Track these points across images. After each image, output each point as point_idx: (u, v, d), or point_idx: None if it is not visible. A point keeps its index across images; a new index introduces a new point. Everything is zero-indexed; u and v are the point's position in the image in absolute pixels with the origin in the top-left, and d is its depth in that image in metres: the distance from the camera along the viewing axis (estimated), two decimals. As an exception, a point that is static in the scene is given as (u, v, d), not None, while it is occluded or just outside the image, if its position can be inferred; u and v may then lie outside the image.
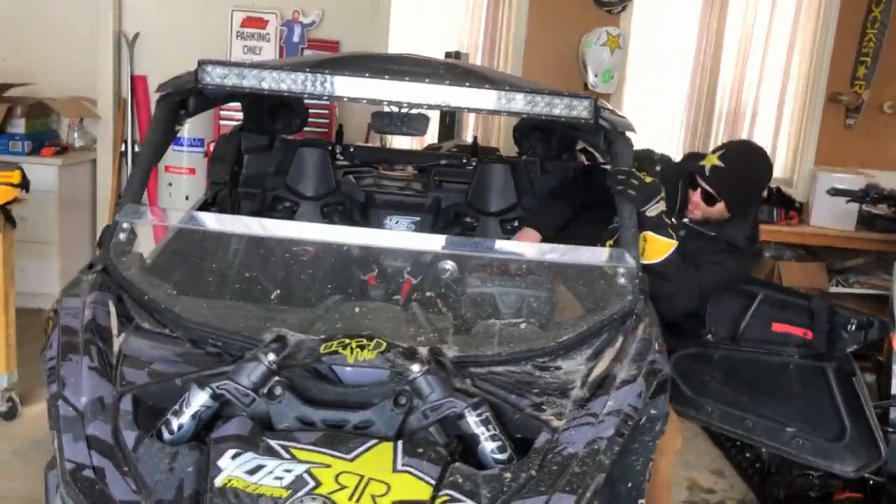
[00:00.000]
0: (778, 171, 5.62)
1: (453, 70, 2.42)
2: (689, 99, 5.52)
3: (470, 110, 2.30)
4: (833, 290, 5.14)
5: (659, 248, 2.34)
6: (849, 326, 2.70)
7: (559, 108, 2.20)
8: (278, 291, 2.60)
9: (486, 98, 2.18)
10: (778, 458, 3.10)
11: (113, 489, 1.43)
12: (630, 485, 1.89)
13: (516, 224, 3.30)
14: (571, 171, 3.42)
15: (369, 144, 4.87)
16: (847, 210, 4.81)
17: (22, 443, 3.38)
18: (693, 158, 2.82)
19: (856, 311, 2.73)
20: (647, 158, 2.85)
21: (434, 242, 2.45)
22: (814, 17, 5.39)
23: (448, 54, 4.85)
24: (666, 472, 2.64)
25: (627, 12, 5.24)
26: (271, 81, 2.17)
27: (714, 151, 2.64)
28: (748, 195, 2.67)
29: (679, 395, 2.90)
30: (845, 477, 2.72)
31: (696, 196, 2.62)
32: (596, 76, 5.12)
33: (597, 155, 3.58)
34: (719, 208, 2.59)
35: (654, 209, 2.30)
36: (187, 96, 2.40)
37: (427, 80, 2.17)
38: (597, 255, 2.23)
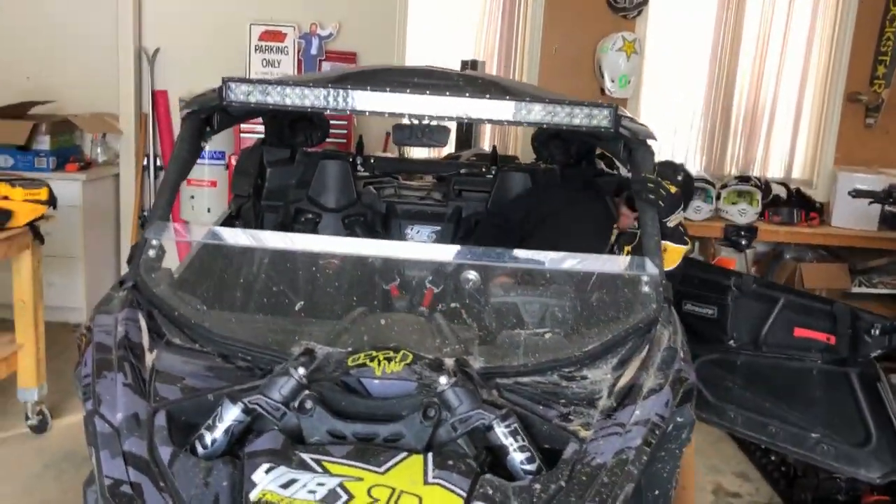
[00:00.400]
0: (797, 172, 5.61)
1: (473, 82, 2.44)
2: (706, 101, 5.51)
3: (491, 122, 2.32)
4: (856, 290, 5.11)
5: (674, 255, 2.43)
6: (872, 331, 2.69)
7: (579, 117, 2.21)
8: (303, 303, 2.63)
9: (506, 109, 2.20)
10: (804, 462, 3.09)
11: (150, 504, 1.46)
12: (657, 492, 1.90)
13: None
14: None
15: (388, 154, 4.90)
16: (869, 210, 4.79)
17: (52, 456, 3.43)
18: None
19: (879, 316, 2.71)
20: (669, 166, 2.85)
21: (454, 253, 2.47)
22: (831, 16, 5.37)
23: (465, 63, 4.88)
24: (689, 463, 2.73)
25: (643, 17, 5.25)
26: (294, 97, 2.21)
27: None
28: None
29: (702, 401, 2.90)
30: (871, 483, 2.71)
31: (626, 212, 2.87)
32: (612, 81, 5.13)
33: (616, 162, 3.60)
34: None
35: (674, 219, 2.32)
36: (212, 113, 2.44)
37: (447, 93, 2.20)
38: (619, 263, 2.24)
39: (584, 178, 3.41)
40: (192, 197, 4.99)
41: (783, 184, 5.27)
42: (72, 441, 3.53)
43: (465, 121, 2.25)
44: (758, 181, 5.02)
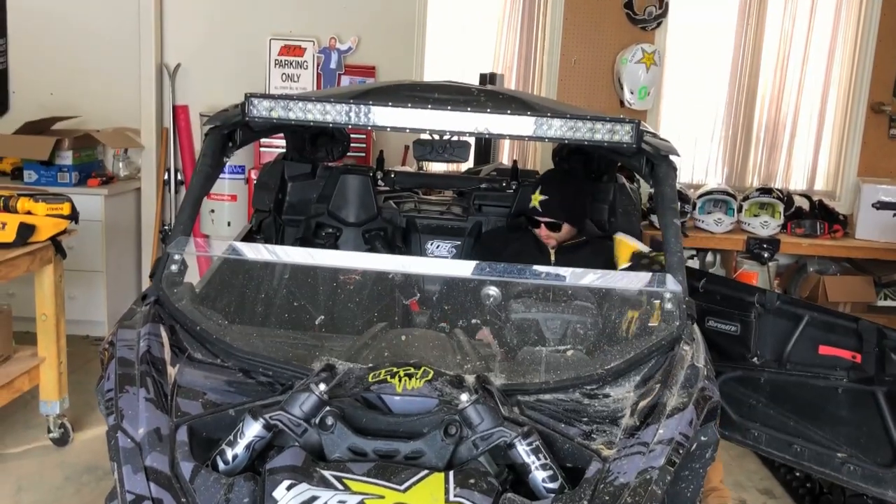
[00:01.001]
0: (819, 184, 5.56)
1: (494, 97, 2.44)
2: (727, 112, 5.47)
3: (512, 137, 2.31)
4: (881, 303, 5.05)
5: (624, 251, 2.87)
6: (899, 349, 2.65)
7: (601, 132, 2.20)
8: (323, 318, 2.63)
9: (527, 125, 2.19)
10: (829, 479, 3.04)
11: (172, 521, 1.46)
12: (681, 512, 1.88)
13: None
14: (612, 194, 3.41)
15: (407, 168, 4.91)
16: (893, 222, 4.74)
17: (73, 469, 3.45)
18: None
19: (906, 334, 2.67)
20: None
21: (470, 270, 2.46)
22: (854, 24, 5.32)
23: (483, 76, 4.89)
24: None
25: (662, 28, 5.24)
26: (316, 113, 2.21)
27: (533, 191, 3.04)
28: (580, 204, 3.09)
29: (725, 418, 2.87)
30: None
31: (542, 231, 3.02)
32: (632, 93, 5.11)
33: (638, 177, 3.58)
34: (566, 229, 3.02)
35: None
36: (235, 129, 2.46)
37: (468, 109, 2.19)
38: (641, 280, 2.22)
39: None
40: (213, 211, 5.02)
41: (806, 195, 5.23)
42: (93, 454, 3.55)
43: (486, 136, 2.25)
44: (780, 193, 4.98)
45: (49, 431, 3.63)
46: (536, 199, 3.01)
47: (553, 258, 3.02)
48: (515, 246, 3.03)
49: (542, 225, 3.01)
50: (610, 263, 2.84)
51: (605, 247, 3.06)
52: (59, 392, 3.60)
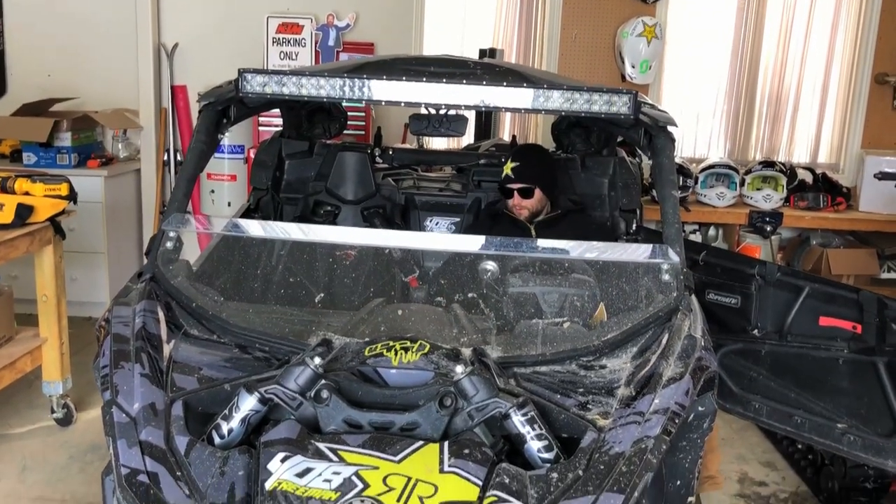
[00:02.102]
0: (823, 157, 5.52)
1: (490, 70, 2.42)
2: (729, 86, 5.43)
3: (508, 110, 2.30)
4: (885, 276, 5.03)
5: None
6: (900, 319, 2.63)
7: (598, 104, 2.18)
8: (322, 295, 2.63)
9: (524, 97, 2.17)
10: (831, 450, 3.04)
11: (167, 493, 1.46)
12: (679, 483, 1.88)
13: None
14: (612, 167, 3.40)
15: (406, 146, 4.89)
16: (896, 192, 4.71)
17: (77, 448, 3.47)
18: None
19: (908, 303, 2.65)
20: None
21: (474, 244, 2.45)
22: (858, -4, 5.26)
23: (483, 52, 4.85)
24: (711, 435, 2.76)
25: (663, 1, 5.18)
26: (310, 88, 2.20)
27: (504, 163, 3.12)
28: (550, 170, 3.15)
29: (726, 391, 2.86)
30: (900, 472, 2.67)
31: (515, 200, 3.06)
32: (633, 67, 5.07)
33: (637, 149, 3.56)
34: (538, 196, 3.06)
35: None
36: (229, 105, 2.44)
37: (465, 81, 2.17)
38: (641, 251, 2.21)
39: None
40: (213, 191, 5.01)
41: (809, 168, 5.19)
42: (96, 434, 3.56)
43: (483, 109, 2.23)
44: (783, 166, 4.95)
45: (52, 412, 3.65)
46: (508, 167, 3.07)
47: (534, 234, 3.02)
48: (496, 230, 3.03)
49: (515, 193, 3.05)
50: (586, 234, 2.83)
51: (580, 219, 3.13)
52: (62, 372, 3.62)
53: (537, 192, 3.06)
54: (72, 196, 3.43)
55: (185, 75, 5.23)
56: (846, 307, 2.74)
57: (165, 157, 5.28)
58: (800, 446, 3.51)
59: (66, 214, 3.48)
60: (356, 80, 2.17)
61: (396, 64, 2.42)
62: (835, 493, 3.20)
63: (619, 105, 2.19)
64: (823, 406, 2.75)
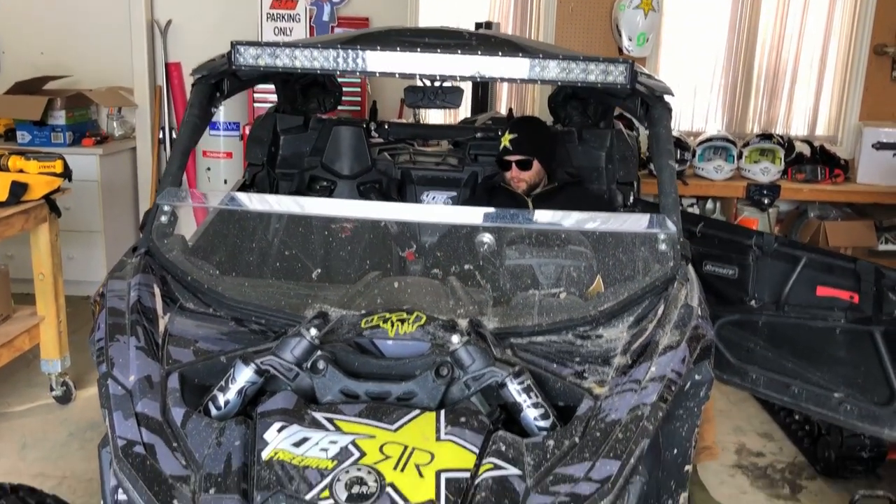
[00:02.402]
0: (821, 129, 5.50)
1: (486, 40, 2.39)
2: (727, 58, 5.39)
3: (504, 80, 2.27)
4: (882, 248, 5.04)
5: None
6: (897, 288, 2.63)
7: (594, 74, 2.16)
8: (318, 269, 2.63)
9: (519, 67, 2.14)
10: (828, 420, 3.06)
11: (163, 464, 1.46)
12: (675, 451, 1.88)
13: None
14: (609, 140, 3.38)
15: (403, 120, 4.86)
16: (895, 165, 4.69)
17: (77, 425, 3.48)
18: None
19: (904, 273, 2.65)
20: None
21: (472, 216, 2.44)
22: (856, -35, 5.22)
23: (478, 25, 4.81)
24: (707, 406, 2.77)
25: (661, -27, 5.13)
26: (304, 60, 2.17)
27: (502, 135, 3.10)
28: (548, 143, 3.14)
29: (723, 362, 2.87)
30: (896, 441, 2.68)
31: (513, 172, 3.05)
32: (630, 40, 5.03)
33: (634, 121, 3.54)
34: (536, 168, 3.05)
35: None
36: (222, 78, 2.42)
37: (459, 52, 2.15)
38: (637, 221, 2.20)
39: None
40: (209, 169, 5.00)
41: (807, 141, 5.18)
42: (96, 411, 3.53)
43: (478, 79, 2.20)
44: (780, 139, 4.93)
45: (51, 390, 3.65)
46: (506, 139, 3.06)
47: (531, 207, 3.02)
48: (493, 204, 3.03)
49: (513, 166, 3.04)
50: (583, 207, 2.82)
51: (577, 192, 3.12)
52: (60, 351, 3.62)
53: (535, 165, 3.05)
54: (66, 173, 3.42)
55: (179, 52, 5.19)
56: (843, 277, 2.74)
57: (161, 135, 5.25)
58: (797, 416, 3.53)
59: (61, 192, 3.46)
60: (350, 51, 2.14)
61: (391, 35, 2.39)
62: (831, 462, 3.22)
63: (616, 74, 2.16)
64: (820, 376, 2.76)
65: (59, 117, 4.76)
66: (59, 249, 3.58)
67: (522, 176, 3.05)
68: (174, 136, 5.25)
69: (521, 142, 3.04)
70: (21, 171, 3.28)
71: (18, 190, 3.20)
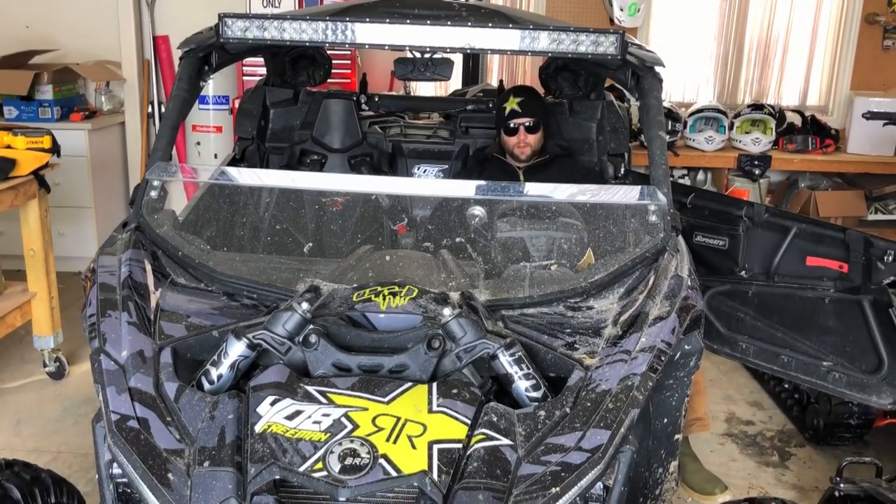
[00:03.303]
0: (813, 99, 5.50)
1: (476, 11, 2.38)
2: (718, 29, 5.37)
3: (494, 51, 2.26)
4: (872, 217, 5.07)
5: None
6: (885, 257, 2.64)
7: (585, 44, 2.15)
8: (310, 244, 2.62)
9: (510, 38, 2.14)
10: (817, 389, 3.09)
11: (157, 438, 1.46)
12: (666, 420, 1.91)
13: None
14: (600, 111, 3.37)
15: (394, 93, 4.83)
16: (886, 134, 4.70)
17: (71, 401, 3.50)
18: None
19: (892, 242, 2.66)
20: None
21: (463, 188, 2.44)
22: (848, -66, 5.18)
23: (469, -3, 4.76)
24: (698, 378, 2.87)
25: (652, -57, 5.09)
26: (292, 32, 2.16)
27: (507, 100, 3.05)
28: (545, 112, 3.15)
29: (714, 332, 2.89)
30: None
31: (521, 136, 3.02)
32: (621, 10, 5.01)
33: (625, 92, 3.52)
34: (541, 133, 3.06)
35: None
36: (210, 52, 2.40)
37: (449, 23, 2.14)
38: (628, 193, 2.21)
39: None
40: (199, 143, 4.96)
41: (798, 111, 5.17)
42: (89, 386, 3.58)
43: (469, 51, 2.20)
44: (772, 109, 4.93)
45: (45, 366, 3.66)
46: (512, 102, 3.02)
47: (522, 178, 3.01)
48: (485, 176, 3.02)
49: (521, 129, 3.02)
50: (574, 179, 2.83)
51: (569, 163, 3.12)
52: (52, 327, 3.62)
53: (539, 132, 3.05)
54: (55, 149, 3.39)
55: (166, 25, 5.13)
56: (833, 247, 2.75)
57: (150, 110, 5.21)
58: (786, 385, 3.57)
59: (49, 167, 3.44)
60: (339, 23, 2.13)
61: (380, 7, 2.38)
62: (820, 430, 3.26)
63: (607, 45, 2.16)
64: (809, 345, 2.78)
65: (47, 92, 4.71)
66: (49, 225, 3.56)
67: (529, 140, 3.04)
68: (163, 110, 5.20)
69: (529, 104, 3.04)
70: (9, 146, 3.26)
71: (7, 166, 3.18)
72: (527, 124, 3.02)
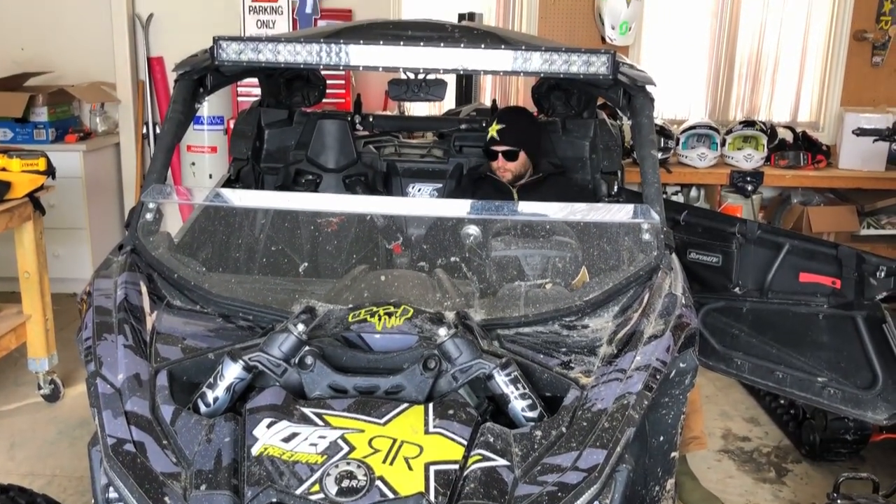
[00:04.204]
0: (804, 115, 5.54)
1: (469, 32, 2.40)
2: (709, 46, 5.42)
3: (487, 72, 2.28)
4: (864, 232, 5.09)
5: None
6: (877, 273, 2.65)
7: (577, 65, 2.17)
8: (305, 264, 2.63)
9: (502, 59, 2.16)
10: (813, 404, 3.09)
11: (154, 462, 1.46)
12: (662, 438, 1.91)
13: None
14: (593, 130, 3.40)
15: (388, 113, 4.86)
16: (876, 150, 4.74)
17: (66, 423, 3.48)
18: None
19: (884, 258, 2.67)
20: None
21: (457, 207, 2.45)
22: (835, -48, 5.25)
23: (461, 16, 4.81)
24: (695, 397, 2.91)
25: (643, -38, 5.14)
26: (287, 54, 2.17)
27: (491, 124, 3.10)
28: (535, 133, 3.16)
29: (708, 349, 2.90)
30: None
31: (499, 162, 3.06)
32: (613, 29, 5.05)
33: (617, 111, 3.55)
34: (522, 159, 3.07)
35: None
36: (205, 74, 2.41)
37: (442, 44, 2.16)
38: (621, 212, 2.22)
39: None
40: (193, 163, 4.98)
41: (789, 127, 5.21)
42: (84, 409, 3.55)
43: (462, 72, 2.21)
44: (763, 125, 4.96)
45: (39, 388, 3.65)
46: (494, 129, 3.08)
47: (516, 197, 3.03)
48: (479, 195, 3.04)
49: (500, 156, 3.06)
50: (568, 197, 2.85)
51: (562, 182, 3.15)
52: (47, 349, 3.61)
53: (521, 156, 3.07)
54: (50, 171, 3.40)
55: (161, 47, 5.16)
56: (825, 263, 2.77)
57: (144, 130, 5.23)
58: (782, 401, 3.57)
59: (44, 190, 3.45)
60: (333, 45, 2.15)
61: (374, 28, 2.39)
62: (816, 445, 3.27)
63: (598, 65, 2.18)
64: (804, 361, 2.79)
65: (41, 114, 4.72)
66: (44, 247, 3.56)
67: (508, 166, 3.07)
68: (158, 131, 5.22)
69: (509, 132, 3.05)
70: (4, 169, 3.27)
71: (2, 188, 3.18)
72: (505, 152, 3.05)
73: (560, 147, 3.39)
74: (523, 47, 2.16)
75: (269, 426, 1.49)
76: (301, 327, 1.64)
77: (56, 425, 3.46)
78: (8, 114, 4.61)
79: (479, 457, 1.45)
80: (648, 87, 2.36)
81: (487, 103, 4.76)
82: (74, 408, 3.62)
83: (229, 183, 3.21)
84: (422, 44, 2.16)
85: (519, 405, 1.60)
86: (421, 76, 2.53)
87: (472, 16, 4.83)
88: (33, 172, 3.32)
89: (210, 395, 1.61)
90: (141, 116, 5.20)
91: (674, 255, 2.11)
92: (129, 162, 5.22)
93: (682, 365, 1.84)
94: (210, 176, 4.92)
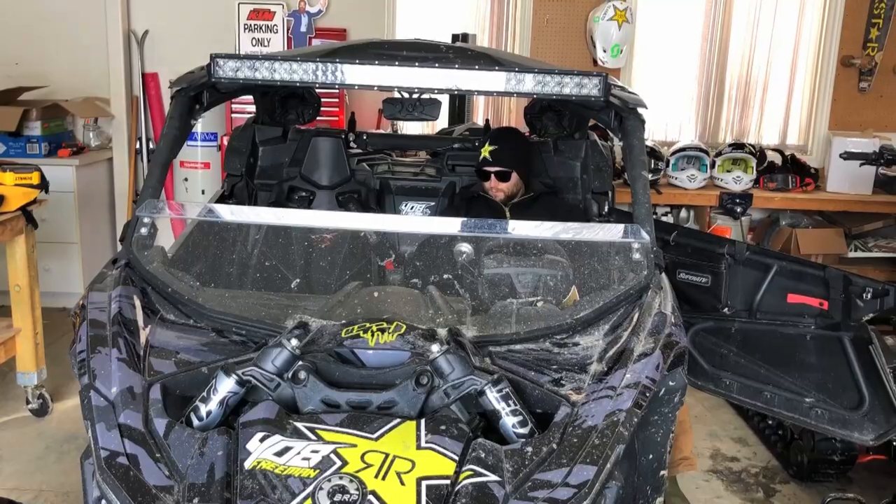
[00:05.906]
0: (792, 139, 5.61)
1: (463, 53, 2.43)
2: (699, 69, 5.49)
3: (480, 93, 2.31)
4: (852, 255, 5.14)
5: None
6: (864, 295, 2.69)
7: (569, 86, 2.20)
8: (298, 280, 2.64)
9: (496, 80, 2.18)
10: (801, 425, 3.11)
11: (147, 475, 1.46)
12: (651, 456, 1.92)
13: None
14: (584, 150, 3.43)
15: (381, 131, 4.89)
16: (863, 174, 4.80)
17: (54, 438, 3.46)
18: None
19: (870, 280, 2.71)
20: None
21: (449, 225, 2.47)
22: (824, -21, 5.34)
23: (455, 37, 4.86)
24: (684, 417, 2.93)
25: (634, -15, 5.22)
26: (283, 73, 2.20)
27: (483, 145, 3.14)
28: (526, 154, 3.20)
29: (697, 369, 2.92)
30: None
31: (492, 182, 3.09)
32: (604, 51, 5.11)
33: (609, 132, 3.59)
34: (514, 179, 3.09)
35: None
36: (201, 91, 2.43)
37: (437, 65, 2.18)
38: (612, 231, 2.24)
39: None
40: (186, 179, 4.99)
41: (778, 150, 5.27)
42: (73, 423, 3.56)
43: (456, 92, 2.24)
44: (752, 148, 5.02)
45: (27, 402, 3.63)
46: (486, 150, 3.10)
47: (508, 216, 3.05)
48: (472, 213, 3.06)
49: (492, 176, 3.08)
50: (559, 217, 2.87)
51: (554, 201, 3.17)
52: (37, 363, 3.60)
53: (513, 176, 3.09)
54: (43, 185, 3.41)
55: (156, 63, 5.19)
56: (813, 284, 2.80)
57: (137, 146, 5.24)
58: (770, 422, 3.59)
59: (37, 204, 3.45)
60: (329, 64, 2.17)
61: (369, 48, 2.42)
62: (804, 466, 3.29)
63: (590, 87, 2.21)
64: (792, 381, 2.81)
65: (35, 128, 4.74)
66: (36, 261, 3.56)
67: (500, 187, 3.09)
68: (151, 146, 5.24)
69: (501, 153, 3.08)
70: (-3, 182, 3.27)
71: (-5, 202, 3.19)
72: (497, 172, 3.08)
73: (552, 167, 3.42)
74: (517, 69, 2.19)
75: (262, 440, 1.50)
76: (294, 342, 1.65)
77: (44, 440, 3.44)
78: (1, 128, 4.62)
79: (471, 472, 1.46)
80: (640, 109, 2.39)
81: (480, 123, 4.81)
82: (63, 422, 3.61)
83: (223, 199, 3.22)
84: (417, 64, 2.18)
85: (510, 421, 1.61)
86: (415, 96, 2.56)
87: (465, 37, 4.88)
88: (26, 186, 3.33)
89: (203, 409, 1.62)
90: (134, 132, 5.21)
91: (663, 275, 2.14)
92: (121, 177, 5.23)
93: (671, 383, 1.86)
94: (203, 192, 4.94)
